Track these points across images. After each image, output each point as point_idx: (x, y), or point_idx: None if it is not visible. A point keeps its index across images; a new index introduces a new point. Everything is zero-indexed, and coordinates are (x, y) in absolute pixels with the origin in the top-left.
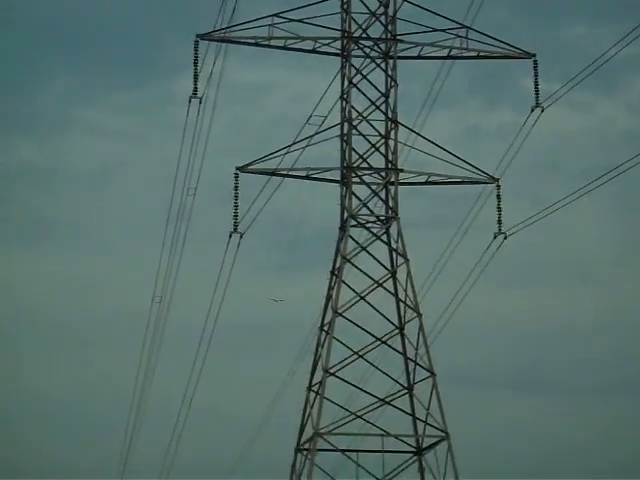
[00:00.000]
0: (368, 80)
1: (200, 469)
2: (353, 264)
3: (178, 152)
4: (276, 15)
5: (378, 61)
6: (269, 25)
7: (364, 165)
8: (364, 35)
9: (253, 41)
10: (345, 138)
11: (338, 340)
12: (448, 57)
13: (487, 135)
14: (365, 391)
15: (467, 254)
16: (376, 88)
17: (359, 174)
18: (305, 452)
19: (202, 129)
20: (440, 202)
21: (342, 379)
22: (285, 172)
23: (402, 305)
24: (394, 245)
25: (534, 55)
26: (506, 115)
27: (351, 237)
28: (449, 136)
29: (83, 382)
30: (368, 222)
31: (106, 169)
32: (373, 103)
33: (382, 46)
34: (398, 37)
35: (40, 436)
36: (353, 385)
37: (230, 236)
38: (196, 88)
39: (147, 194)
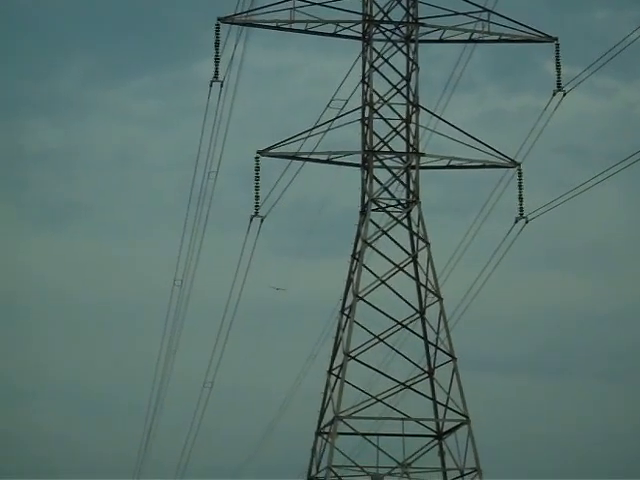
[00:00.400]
0: (389, 64)
1: (220, 453)
2: (374, 248)
3: (199, 136)
4: None
5: (399, 45)
6: (290, 9)
7: (385, 149)
8: (385, 19)
9: (274, 24)
10: (366, 122)
11: (359, 324)
12: (470, 41)
13: (508, 119)
14: (386, 375)
15: (488, 238)
16: (397, 72)
17: (380, 158)
18: (325, 435)
19: (223, 113)
20: (461, 186)
21: (363, 363)
22: (306, 156)
23: (423, 289)
24: (415, 229)
25: (556, 39)
26: (527, 99)
27: (372, 221)
28: (470, 120)
29: (104, 365)
30: (389, 206)
31: (127, 152)
32: (394, 87)
33: (403, 29)
34: (420, 21)
35: (61, 418)
36: (374, 369)
37: (251, 220)
38: (217, 72)
39: (167, 178)
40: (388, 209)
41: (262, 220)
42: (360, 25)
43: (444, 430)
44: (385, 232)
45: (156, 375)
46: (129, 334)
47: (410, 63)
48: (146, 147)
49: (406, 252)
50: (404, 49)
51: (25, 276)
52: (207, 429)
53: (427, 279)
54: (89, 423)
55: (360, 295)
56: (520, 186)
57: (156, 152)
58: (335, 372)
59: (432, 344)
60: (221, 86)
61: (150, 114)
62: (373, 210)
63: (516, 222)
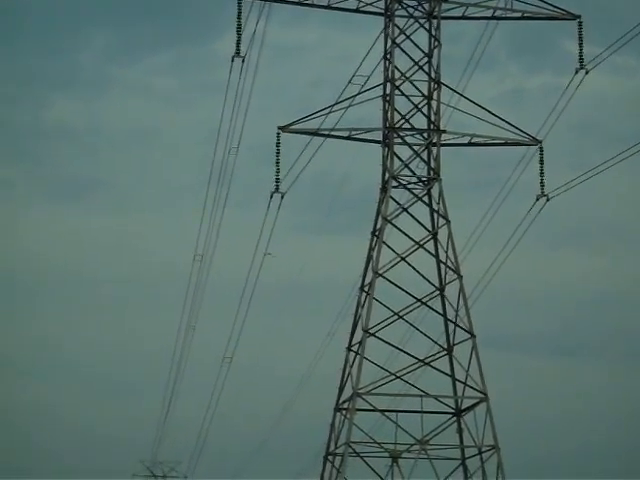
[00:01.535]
0: (411, 40)
1: (239, 427)
2: (394, 225)
3: (219, 112)
4: None
5: (422, 21)
6: None
7: (406, 126)
8: None
9: (296, 0)
10: (388, 98)
11: (378, 301)
12: (492, 18)
13: (528, 98)
14: (405, 352)
15: (509, 216)
16: (419, 48)
17: (401, 135)
18: (344, 412)
19: (244, 89)
20: (482, 164)
21: (382, 339)
22: (327, 132)
23: (443, 266)
24: (435, 206)
25: (579, 16)
26: (547, 78)
27: (392, 198)
28: (490, 98)
29: (124, 339)
30: (409, 183)
31: (146, 129)
32: (416, 63)
33: (426, 6)
34: None
35: (79, 393)
36: (393, 346)
37: (271, 196)
38: (239, 47)
39: (188, 154)
40: (409, 186)
41: (282, 196)
42: (382, 1)
43: (462, 407)
44: (405, 209)
45: (175, 350)
46: (149, 309)
47: (432, 39)
48: (166, 123)
49: (426, 229)
50: (426, 25)
51: (43, 251)
52: (226, 404)
53: (447, 256)
54: (108, 398)
55: (380, 272)
56: (541, 164)
57: (176, 128)
58: (354, 349)
59: (451, 321)
60: (242, 62)
61: (170, 90)
62: (393, 187)
63: (537, 200)
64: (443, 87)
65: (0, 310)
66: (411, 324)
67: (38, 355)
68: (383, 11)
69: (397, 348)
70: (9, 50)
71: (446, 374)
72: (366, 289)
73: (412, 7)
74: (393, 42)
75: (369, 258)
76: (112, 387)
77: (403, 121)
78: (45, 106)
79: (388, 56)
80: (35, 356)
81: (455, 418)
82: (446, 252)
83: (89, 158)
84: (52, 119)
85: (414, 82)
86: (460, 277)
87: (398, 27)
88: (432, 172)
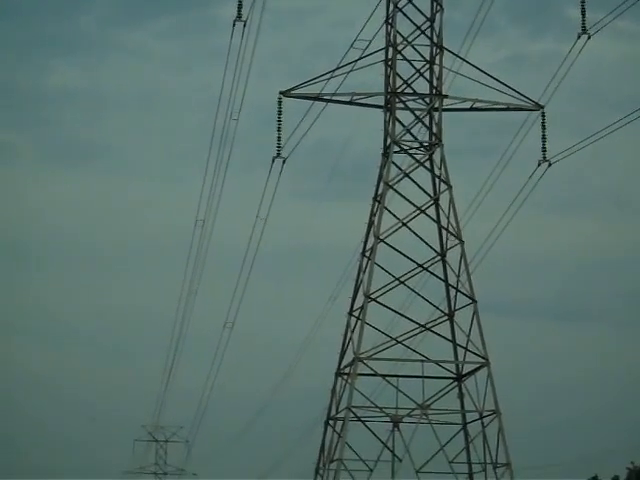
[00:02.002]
0: (414, 4)
1: (240, 393)
2: (396, 190)
3: (219, 77)
4: None
5: None
6: None
7: (408, 90)
8: None
9: None
10: (390, 63)
11: (379, 266)
12: None
13: (529, 63)
14: (406, 317)
15: (510, 182)
16: (421, 13)
17: (403, 99)
18: (345, 376)
19: (245, 53)
20: (483, 129)
21: (383, 304)
22: (329, 97)
23: (444, 232)
24: (437, 171)
25: None
26: (547, 44)
27: (394, 163)
28: (491, 64)
29: (125, 304)
30: (411, 148)
31: (148, 94)
32: (418, 28)
33: None
34: None
35: (82, 358)
36: (394, 311)
37: (273, 161)
38: (240, 11)
39: (189, 119)
40: (410, 151)
41: (284, 161)
42: None
43: (463, 372)
44: (407, 174)
45: (177, 315)
46: (150, 275)
47: (434, 4)
48: (167, 88)
49: (428, 195)
50: None
51: (46, 215)
52: (228, 369)
53: (448, 222)
54: (109, 363)
55: (381, 237)
56: (544, 129)
57: (177, 93)
58: (355, 314)
59: (453, 287)
60: (244, 26)
61: (171, 55)
62: (395, 152)
63: (539, 165)
64: (445, 52)
65: (1, 275)
66: (412, 289)
67: (39, 321)
68: None
69: (398, 313)
70: (10, 16)
71: (447, 339)
72: (367, 254)
73: None
74: (395, 6)
75: (370, 223)
76: (113, 353)
77: (405, 86)
78: (47, 71)
79: (390, 20)
80: (37, 322)
81: (456, 383)
82: (447, 217)
83: (91, 123)
84: (54, 84)
85: (416, 47)
86: (461, 242)
87: None
88: (434, 137)
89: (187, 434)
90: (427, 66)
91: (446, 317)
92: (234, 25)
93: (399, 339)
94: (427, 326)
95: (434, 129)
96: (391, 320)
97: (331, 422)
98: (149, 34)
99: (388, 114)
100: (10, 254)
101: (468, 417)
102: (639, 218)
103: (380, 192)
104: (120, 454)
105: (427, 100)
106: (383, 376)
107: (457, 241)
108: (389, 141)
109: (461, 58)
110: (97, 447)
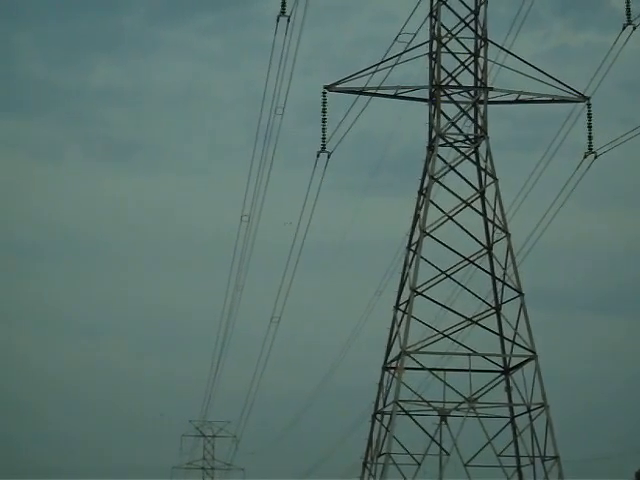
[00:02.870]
0: None
1: (287, 387)
2: (441, 184)
3: (263, 72)
4: None
5: None
6: None
7: (453, 83)
8: None
9: None
10: (434, 56)
11: (425, 260)
12: None
13: (573, 55)
14: (453, 310)
15: (556, 174)
16: (465, 5)
17: (448, 92)
18: (392, 370)
19: (289, 49)
20: (528, 122)
21: (430, 298)
22: (373, 91)
23: (490, 225)
24: (483, 164)
25: None
26: (592, 35)
27: (439, 157)
28: (536, 55)
29: (173, 299)
30: (457, 141)
31: (191, 90)
32: (462, 20)
33: None
34: None
35: (131, 352)
36: (440, 304)
37: (318, 155)
38: (284, 7)
39: (233, 115)
40: (456, 144)
41: (329, 156)
42: None
43: (511, 365)
44: (452, 168)
45: (224, 311)
46: (196, 270)
47: None
48: (211, 85)
49: (474, 188)
50: None
51: (92, 212)
52: (275, 364)
53: (495, 215)
54: (157, 358)
55: (427, 231)
56: (589, 120)
57: (221, 89)
58: (402, 308)
59: (499, 280)
60: (288, 21)
61: (215, 52)
62: (440, 145)
63: (585, 157)
64: (489, 44)
65: (54, 268)
66: (459, 283)
67: (86, 318)
68: None
69: (445, 307)
70: (54, 16)
71: (494, 332)
72: (413, 248)
73: None
74: None
75: (416, 217)
76: (160, 348)
77: (450, 79)
78: (91, 70)
79: (434, 13)
80: (84, 319)
81: (503, 376)
82: (494, 210)
83: (135, 120)
84: (98, 83)
85: (460, 39)
86: (508, 235)
87: None
88: (479, 130)
89: (234, 429)
90: (472, 59)
91: (493, 310)
92: (278, 21)
93: (446, 333)
94: (474, 319)
95: (479, 122)
96: (437, 314)
97: (378, 416)
98: (192, 31)
99: (433, 107)
100: (59, 248)
101: (516, 410)
102: None
103: (426, 186)
104: (168, 450)
105: (472, 93)
106: (430, 370)
107: (503, 234)
108: (434, 134)
109: (506, 50)
110: (145, 443)
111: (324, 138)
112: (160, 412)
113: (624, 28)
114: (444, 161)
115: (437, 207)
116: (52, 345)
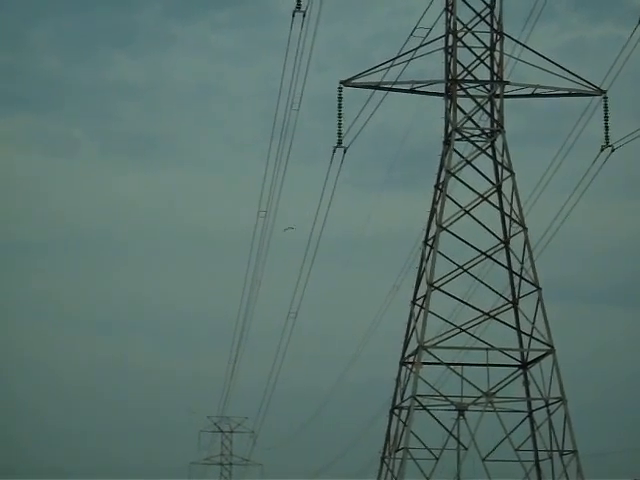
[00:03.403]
0: None
1: (305, 382)
2: (458, 178)
3: (279, 67)
4: None
5: None
6: None
7: (469, 78)
8: None
9: None
10: (450, 50)
11: (442, 254)
12: None
13: (589, 48)
14: (470, 305)
15: (573, 167)
16: None
17: (464, 87)
18: (410, 365)
19: (305, 44)
20: (544, 116)
21: (447, 293)
22: (389, 85)
23: (507, 219)
24: (499, 158)
25: None
26: (608, 29)
27: (456, 151)
28: (552, 49)
29: (190, 294)
30: (473, 135)
31: (208, 85)
32: (478, 14)
33: None
34: None
35: (151, 346)
36: (458, 299)
37: (334, 150)
38: (300, 1)
39: (249, 109)
40: (472, 139)
41: (345, 150)
42: None
43: (529, 360)
44: (469, 162)
45: (241, 305)
46: (213, 265)
47: None
48: (226, 80)
49: (490, 182)
50: None
51: (109, 207)
52: (292, 359)
53: (511, 209)
54: (174, 354)
55: (444, 225)
56: (606, 114)
57: (237, 85)
58: (419, 302)
59: (516, 274)
60: (303, 16)
61: (230, 47)
62: (457, 140)
63: (602, 151)
64: (505, 38)
65: (70, 265)
66: (476, 277)
67: (104, 312)
68: None
69: (462, 301)
70: (71, 12)
71: (512, 327)
72: (430, 243)
73: None
74: None
75: (433, 211)
76: (178, 343)
77: (466, 73)
78: (107, 65)
79: (450, 7)
80: (102, 313)
81: (521, 370)
82: (510, 204)
83: (151, 115)
84: (114, 78)
85: (476, 33)
86: (525, 229)
87: None
88: (495, 124)
89: (252, 424)
90: (487, 53)
91: (510, 305)
92: (293, 16)
93: (463, 327)
94: (491, 314)
95: (495, 116)
96: (455, 308)
97: (396, 411)
98: (208, 26)
99: (449, 102)
100: (72, 247)
101: (534, 405)
102: None
103: (442, 180)
104: (186, 446)
105: (488, 87)
106: (448, 365)
107: (520, 228)
108: (450, 129)
109: (521, 44)
110: (163, 439)
111: (340, 133)
112: (190, 409)
113: None
114: (460, 155)
115: (454, 201)
116: (69, 343)
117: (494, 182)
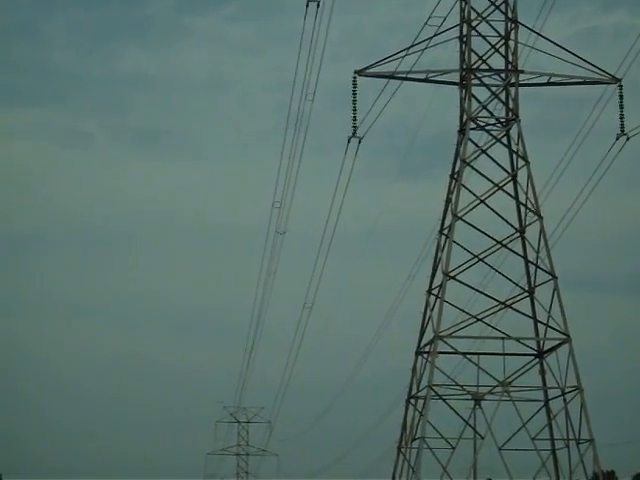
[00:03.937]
0: None
1: (321, 372)
2: (473, 167)
3: (293, 58)
4: None
5: None
6: None
7: (484, 67)
8: None
9: None
10: (464, 39)
11: (458, 244)
12: None
13: (603, 37)
14: (485, 294)
15: (588, 156)
16: None
17: (479, 76)
18: (426, 355)
19: (319, 34)
20: (559, 105)
21: (462, 282)
22: (404, 75)
23: (523, 208)
24: (515, 147)
25: None
26: (621, 17)
27: (471, 140)
28: (566, 38)
29: (206, 286)
30: (488, 124)
31: (221, 77)
32: (493, 3)
33: None
34: None
35: (164, 338)
36: (473, 288)
37: (349, 141)
38: None
39: (263, 101)
40: (487, 128)
41: (360, 141)
42: None
43: (545, 349)
44: (484, 151)
45: (256, 296)
46: (228, 257)
47: None
48: (240, 71)
49: (505, 171)
50: None
51: (123, 199)
52: (308, 350)
53: (527, 198)
54: (190, 344)
55: (459, 215)
56: (621, 102)
57: (250, 76)
58: (435, 292)
59: (532, 263)
60: (317, 6)
61: (243, 38)
62: (472, 129)
63: (617, 139)
64: (520, 27)
65: (85, 258)
66: (491, 266)
67: (118, 304)
68: None
69: (478, 291)
70: (83, 4)
71: (528, 316)
72: (446, 232)
73: None
74: None
75: (448, 201)
76: (195, 333)
77: (480, 62)
78: (119, 58)
79: None
80: (116, 305)
81: (537, 360)
82: (526, 193)
83: (164, 107)
84: (127, 70)
85: (491, 22)
86: (540, 218)
87: None
88: (510, 113)
89: (268, 415)
90: (502, 41)
91: (526, 294)
92: (307, 6)
93: (479, 317)
94: (507, 303)
95: (510, 104)
96: (470, 298)
97: (412, 401)
98: (220, 18)
99: (464, 91)
100: (94, 235)
101: (550, 394)
102: None
103: (457, 169)
104: (202, 436)
105: (503, 76)
106: (463, 354)
107: (536, 217)
108: (465, 118)
109: (536, 33)
110: (179, 430)
111: (355, 123)
112: (218, 400)
113: None
114: (475, 144)
115: (469, 191)
116: (82, 336)
117: (509, 171)
